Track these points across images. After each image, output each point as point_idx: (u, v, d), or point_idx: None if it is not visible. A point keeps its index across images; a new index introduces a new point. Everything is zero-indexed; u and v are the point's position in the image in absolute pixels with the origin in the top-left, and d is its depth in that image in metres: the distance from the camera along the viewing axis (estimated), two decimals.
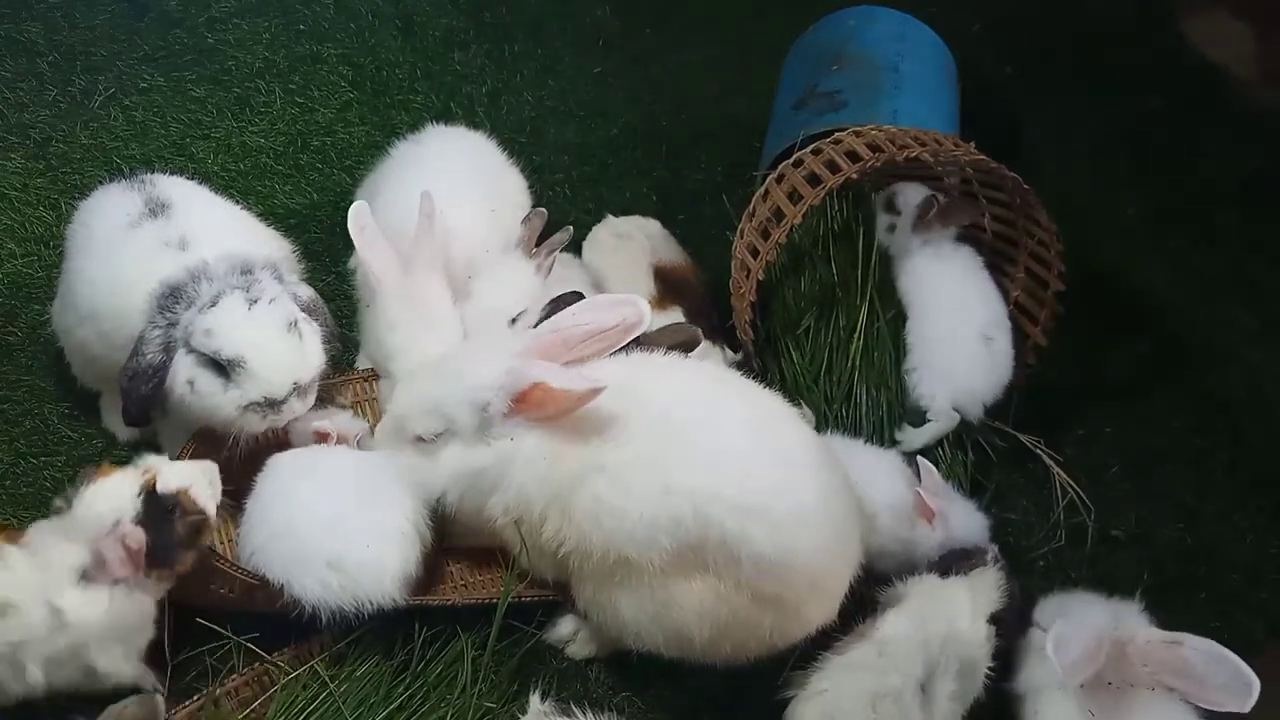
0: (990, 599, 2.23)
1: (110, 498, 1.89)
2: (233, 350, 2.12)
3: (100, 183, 2.51)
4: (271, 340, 2.16)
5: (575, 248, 3.00)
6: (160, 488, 1.92)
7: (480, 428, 2.13)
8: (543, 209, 2.77)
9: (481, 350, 2.27)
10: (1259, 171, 3.57)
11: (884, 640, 2.12)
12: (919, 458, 2.58)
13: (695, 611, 2.03)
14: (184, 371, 2.15)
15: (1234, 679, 2.01)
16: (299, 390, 2.19)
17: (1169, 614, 2.27)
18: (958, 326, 2.78)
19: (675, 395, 2.12)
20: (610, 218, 3.10)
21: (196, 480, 1.99)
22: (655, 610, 2.06)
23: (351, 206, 2.47)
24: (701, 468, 1.99)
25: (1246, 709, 1.99)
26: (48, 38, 3.43)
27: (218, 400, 2.15)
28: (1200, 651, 2.06)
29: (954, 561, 2.32)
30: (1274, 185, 3.53)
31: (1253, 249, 3.43)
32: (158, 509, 1.91)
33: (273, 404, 2.16)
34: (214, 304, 2.15)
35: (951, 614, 2.17)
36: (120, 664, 1.98)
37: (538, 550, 2.16)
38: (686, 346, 2.43)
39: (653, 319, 2.63)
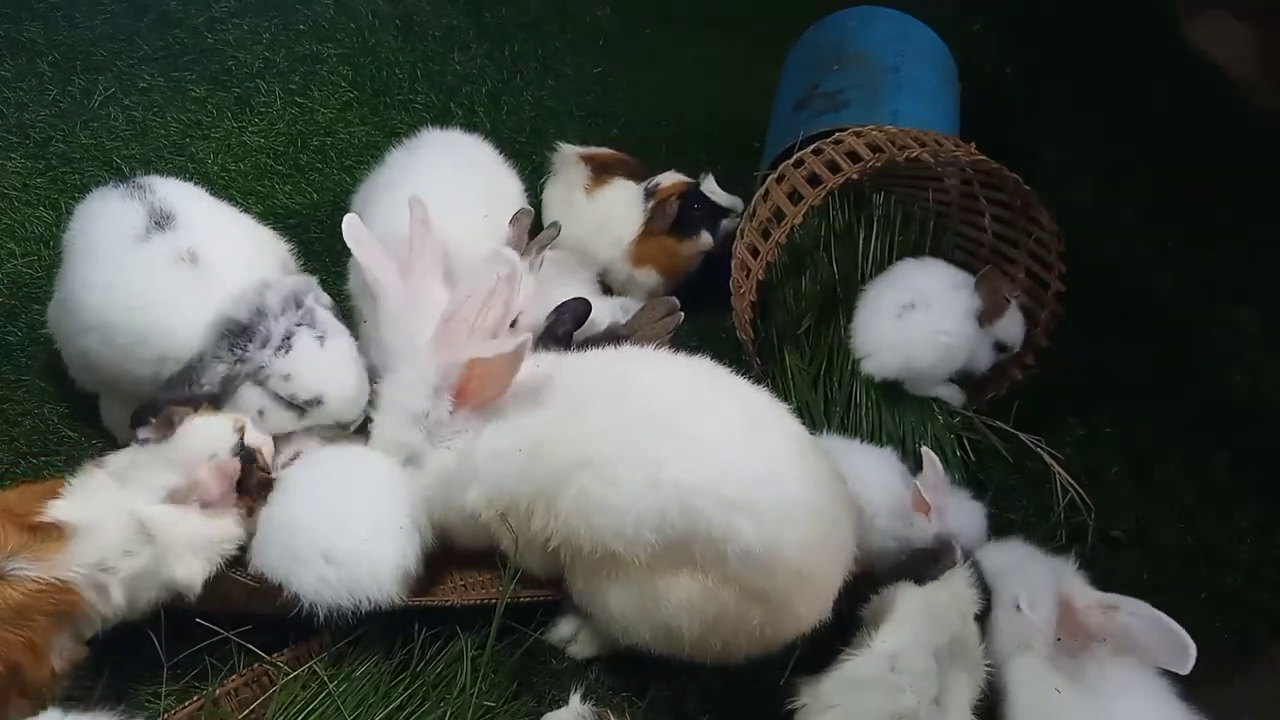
0: (972, 598, 2.22)
1: (210, 434, 2.09)
2: (310, 393, 2.29)
3: (100, 183, 2.51)
4: (346, 378, 2.35)
5: None
6: (247, 439, 2.13)
7: (431, 436, 2.20)
8: (529, 207, 2.76)
9: (399, 371, 2.32)
10: (1259, 172, 3.57)
11: (893, 654, 2.07)
12: (924, 448, 2.56)
13: (683, 607, 2.02)
14: (253, 402, 2.27)
15: (1171, 643, 2.01)
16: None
17: (1169, 614, 2.26)
18: (880, 294, 2.86)
19: (661, 389, 2.12)
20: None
21: (267, 445, 2.20)
22: (643, 605, 2.05)
23: (344, 220, 2.47)
24: (686, 462, 1.98)
25: (1185, 671, 1.99)
26: (48, 38, 3.43)
27: (287, 425, 2.31)
28: (1136, 616, 2.06)
29: (924, 564, 2.28)
30: (1274, 185, 3.53)
31: (1253, 249, 3.43)
32: (245, 453, 2.12)
33: (345, 426, 2.36)
34: (288, 348, 2.27)
35: (949, 622, 2.15)
36: (198, 577, 2.05)
37: (527, 544, 2.16)
38: (670, 316, 2.58)
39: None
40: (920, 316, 2.79)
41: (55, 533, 1.92)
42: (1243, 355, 3.21)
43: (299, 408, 2.29)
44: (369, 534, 2.12)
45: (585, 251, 3.04)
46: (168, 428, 2.08)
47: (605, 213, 3.04)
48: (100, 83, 3.35)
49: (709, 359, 2.23)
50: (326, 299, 2.44)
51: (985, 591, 2.25)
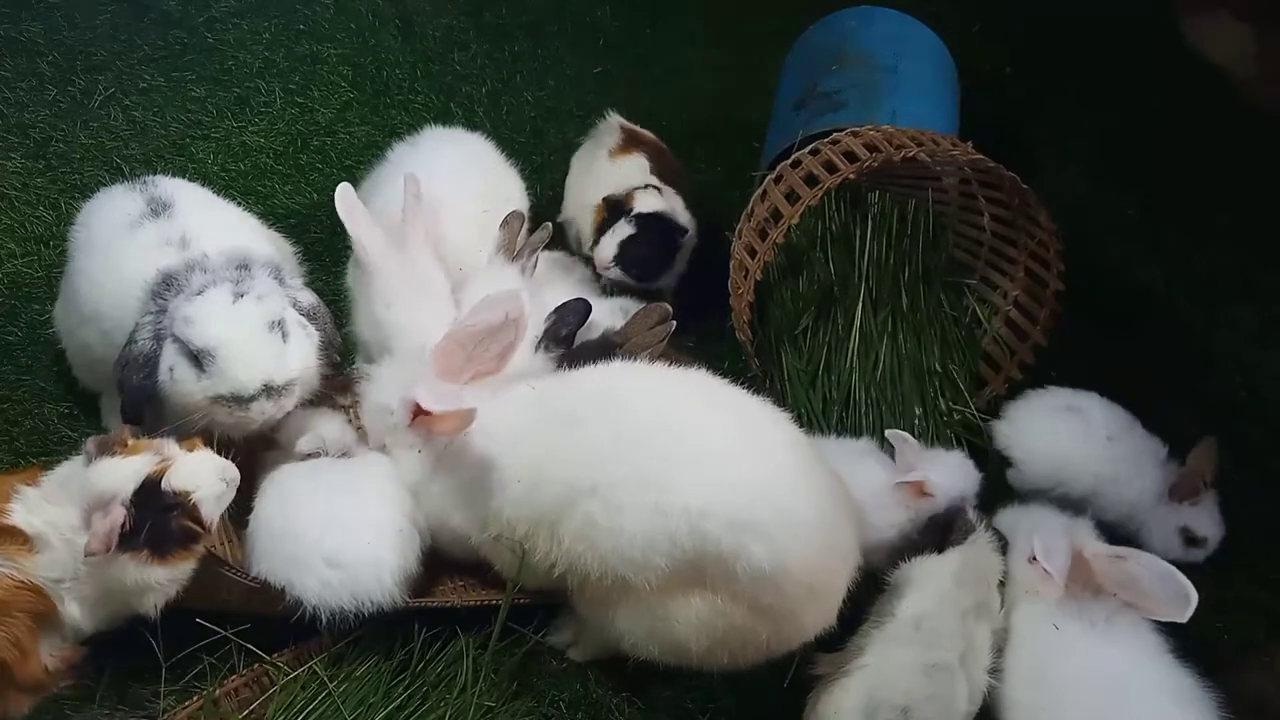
0: (995, 563, 2.26)
1: (115, 476, 1.90)
2: (203, 341, 2.08)
3: (100, 183, 2.53)
4: (247, 337, 2.11)
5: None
6: (164, 483, 1.92)
7: (392, 432, 2.23)
8: (520, 210, 2.73)
9: (400, 362, 2.34)
10: (1259, 171, 3.57)
11: (918, 616, 2.13)
12: (889, 431, 2.53)
13: (692, 625, 2.00)
14: (167, 359, 2.12)
15: (1176, 592, 2.08)
16: (270, 391, 2.13)
17: None
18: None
19: (661, 408, 2.07)
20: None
21: (206, 486, 1.97)
22: (652, 625, 2.04)
23: (336, 190, 2.45)
24: (692, 483, 1.94)
25: (1185, 619, 2.07)
26: (48, 38, 3.44)
27: (189, 388, 2.10)
28: (1145, 566, 2.12)
29: (942, 534, 2.31)
30: (1274, 185, 3.52)
31: (1253, 249, 3.43)
32: (155, 500, 1.91)
33: (239, 400, 2.10)
34: (200, 293, 2.13)
35: (973, 586, 2.19)
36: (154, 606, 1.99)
37: (528, 569, 2.13)
38: (663, 324, 2.52)
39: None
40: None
41: (21, 537, 1.89)
42: (1242, 355, 3.21)
43: (197, 362, 2.08)
44: (371, 537, 2.12)
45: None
46: (102, 451, 1.92)
47: (619, 179, 3.05)
48: (100, 83, 3.35)
49: (703, 369, 2.18)
50: (308, 298, 2.30)
51: (1005, 551, 2.31)
